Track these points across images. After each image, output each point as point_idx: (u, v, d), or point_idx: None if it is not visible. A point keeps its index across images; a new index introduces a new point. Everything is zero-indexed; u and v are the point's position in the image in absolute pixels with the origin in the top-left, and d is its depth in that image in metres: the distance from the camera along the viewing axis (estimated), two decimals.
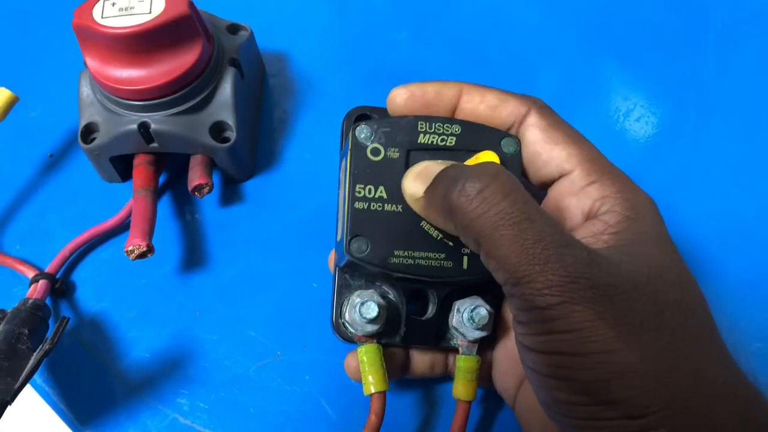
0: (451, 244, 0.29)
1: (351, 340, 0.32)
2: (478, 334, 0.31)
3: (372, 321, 0.30)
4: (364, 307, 0.30)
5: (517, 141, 0.30)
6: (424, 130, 0.30)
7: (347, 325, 0.31)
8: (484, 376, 0.33)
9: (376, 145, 0.30)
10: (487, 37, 0.48)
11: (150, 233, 0.36)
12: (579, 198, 0.28)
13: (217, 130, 0.38)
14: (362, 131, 0.30)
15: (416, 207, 0.28)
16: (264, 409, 0.36)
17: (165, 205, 0.41)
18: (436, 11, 0.50)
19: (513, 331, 0.26)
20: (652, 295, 0.24)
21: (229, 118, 0.38)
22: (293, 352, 0.37)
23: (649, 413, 0.22)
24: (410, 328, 0.32)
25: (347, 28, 0.49)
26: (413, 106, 0.31)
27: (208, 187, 0.37)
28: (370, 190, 0.29)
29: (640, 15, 0.49)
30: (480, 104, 0.30)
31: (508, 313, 0.33)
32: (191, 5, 0.35)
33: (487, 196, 0.24)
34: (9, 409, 0.30)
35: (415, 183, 0.28)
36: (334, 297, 0.32)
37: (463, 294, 0.32)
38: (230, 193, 0.42)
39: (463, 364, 0.31)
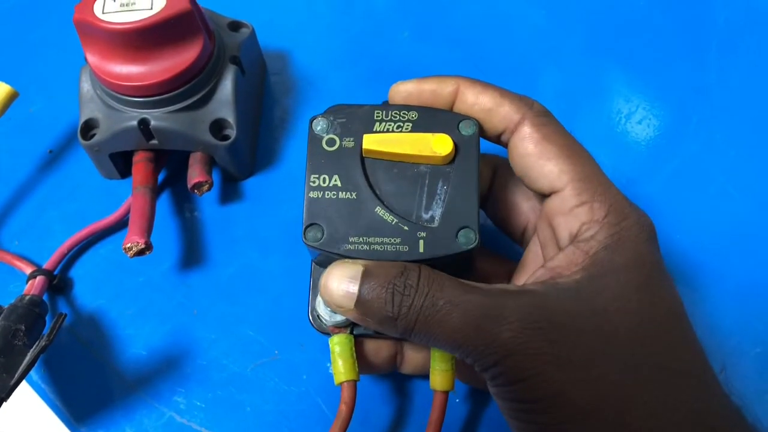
0: (406, 228, 0.29)
1: (326, 332, 0.32)
2: None
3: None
4: None
5: (476, 123, 0.30)
6: (380, 118, 0.30)
7: (320, 317, 0.32)
8: (465, 372, 0.33)
9: (331, 135, 0.30)
10: (489, 37, 0.48)
11: (148, 230, 0.35)
12: (567, 219, 0.28)
13: (218, 127, 0.38)
14: (318, 123, 0.30)
15: (353, 317, 0.28)
16: (261, 409, 0.36)
17: (164, 202, 0.41)
18: (438, 11, 0.49)
19: None
20: (598, 330, 0.24)
21: (230, 116, 0.38)
22: (291, 351, 0.37)
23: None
24: None
25: (349, 27, 0.49)
26: (413, 102, 0.31)
27: (207, 185, 0.37)
28: (324, 179, 0.30)
29: (642, 17, 0.49)
30: (473, 106, 0.30)
31: None
32: (192, 2, 0.35)
33: (408, 288, 0.26)
34: (4, 405, 0.29)
35: (340, 295, 0.27)
36: (309, 289, 0.33)
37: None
38: (230, 191, 0.42)
39: (439, 354, 0.31)
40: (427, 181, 0.30)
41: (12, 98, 0.38)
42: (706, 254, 0.40)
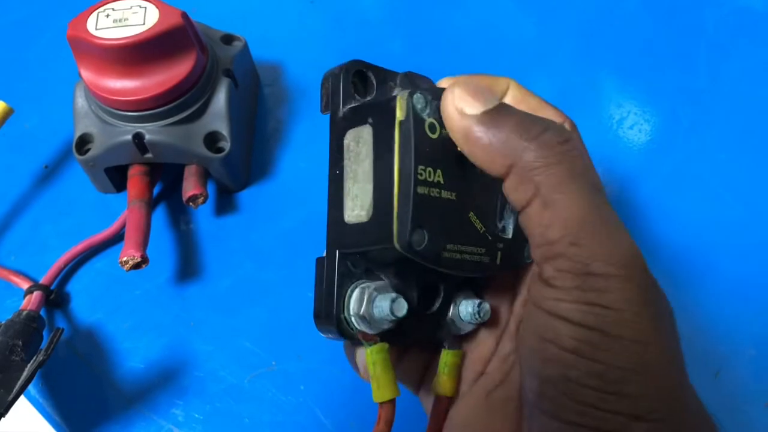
0: (489, 238, 0.27)
1: (352, 338, 0.27)
2: (470, 328, 0.30)
3: (397, 319, 0.26)
4: (395, 304, 0.25)
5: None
6: None
7: (353, 320, 0.26)
8: (413, 379, 0.31)
9: (432, 120, 0.25)
10: (480, 46, 0.49)
11: (144, 244, 0.36)
12: None
13: (212, 140, 0.38)
14: (419, 100, 0.25)
15: (459, 124, 0.24)
16: (259, 420, 0.36)
17: (159, 215, 0.41)
18: (429, 21, 0.50)
19: (529, 294, 0.24)
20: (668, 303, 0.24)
21: (224, 129, 0.38)
22: (288, 362, 0.37)
23: (652, 419, 0.22)
24: (416, 322, 0.28)
25: (341, 38, 0.49)
26: None
27: (202, 198, 0.37)
28: (430, 172, 0.25)
29: (632, 24, 0.50)
30: (520, 104, 0.29)
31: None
32: (185, 16, 0.35)
33: (569, 149, 0.23)
34: (3, 420, 0.30)
35: (471, 97, 0.24)
36: (331, 288, 0.27)
37: (460, 288, 0.30)
38: (225, 203, 0.42)
39: (452, 359, 0.30)
40: (497, 188, 0.26)
41: (7, 115, 0.38)
42: (700, 257, 0.40)
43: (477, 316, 0.29)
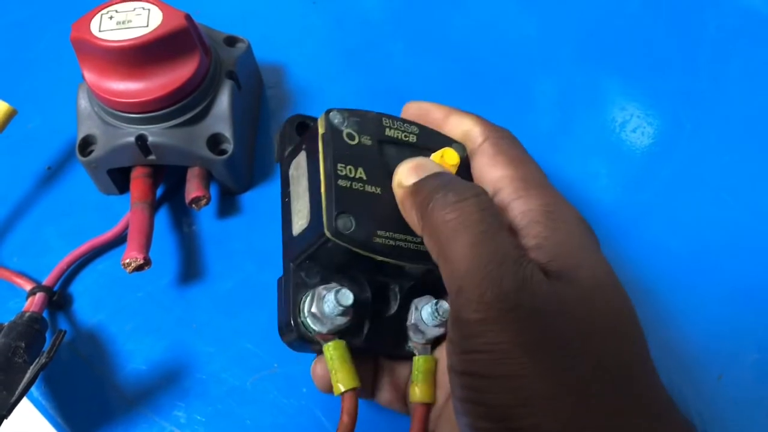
0: None
1: (311, 341, 0.30)
2: (437, 332, 0.31)
3: (346, 311, 0.29)
4: (340, 294, 0.28)
5: (464, 147, 0.31)
6: (388, 125, 0.31)
7: (309, 322, 0.29)
8: (395, 400, 0.33)
9: (349, 130, 0.30)
10: (483, 49, 0.49)
11: (147, 246, 0.36)
12: (504, 213, 0.28)
13: (215, 142, 0.38)
14: (335, 116, 0.30)
15: (398, 192, 0.28)
16: (261, 422, 0.36)
17: (162, 217, 0.41)
18: (432, 22, 0.50)
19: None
20: (580, 320, 0.24)
21: (227, 131, 0.38)
22: (290, 364, 0.37)
23: None
24: (374, 326, 0.31)
25: (344, 40, 0.49)
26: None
27: (205, 200, 0.38)
28: (350, 170, 0.29)
29: (634, 26, 0.50)
30: (457, 127, 0.32)
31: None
32: (188, 18, 0.35)
33: (463, 207, 0.25)
34: (5, 423, 0.29)
35: (409, 172, 0.28)
36: (288, 297, 0.30)
37: (420, 293, 0.32)
38: (227, 205, 0.42)
39: (424, 365, 0.31)
40: None
41: (10, 116, 0.38)
42: (702, 260, 0.40)
43: (436, 314, 0.30)
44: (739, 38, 0.49)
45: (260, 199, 0.42)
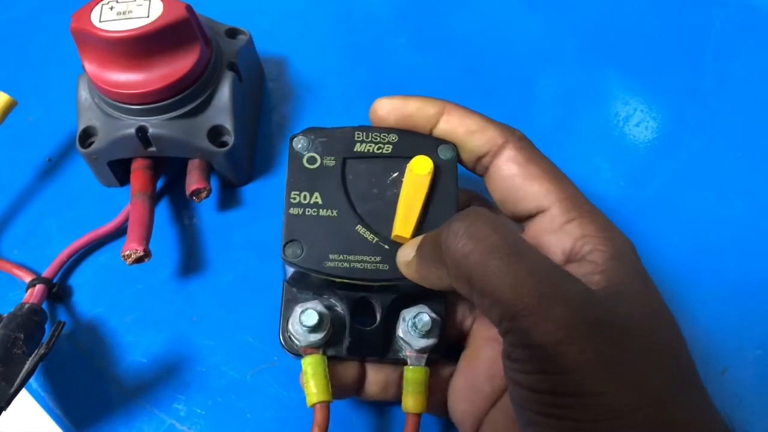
0: (386, 247, 0.30)
1: (298, 354, 0.31)
2: (424, 343, 0.31)
3: (312, 330, 0.30)
4: (304, 315, 0.30)
5: (454, 147, 0.31)
6: (360, 139, 0.31)
7: (293, 337, 0.31)
8: (437, 404, 0.32)
9: (312, 154, 0.31)
10: (486, 44, 0.48)
11: (147, 238, 0.35)
12: (558, 236, 0.28)
13: (215, 134, 0.38)
14: (299, 142, 0.31)
15: (410, 271, 0.28)
16: (261, 415, 0.36)
17: (163, 209, 0.41)
18: (435, 18, 0.50)
19: (502, 364, 0.25)
20: (646, 336, 0.24)
21: (227, 123, 0.38)
22: (290, 358, 0.37)
23: None
24: (355, 339, 0.31)
25: (347, 34, 0.49)
26: (394, 118, 0.31)
27: (206, 192, 0.37)
28: (305, 196, 0.30)
29: (638, 21, 0.49)
30: (458, 127, 0.30)
31: (474, 344, 0.32)
32: (189, 9, 0.35)
33: (474, 231, 0.24)
34: (4, 414, 0.29)
35: (406, 249, 0.29)
36: (280, 312, 0.32)
37: (410, 303, 0.32)
38: (228, 198, 0.42)
39: (411, 376, 0.31)
40: (392, 200, 0.30)
41: (10, 107, 0.38)
42: (706, 256, 0.40)
43: (415, 328, 0.31)
44: (744, 34, 0.49)
45: (261, 192, 0.42)
